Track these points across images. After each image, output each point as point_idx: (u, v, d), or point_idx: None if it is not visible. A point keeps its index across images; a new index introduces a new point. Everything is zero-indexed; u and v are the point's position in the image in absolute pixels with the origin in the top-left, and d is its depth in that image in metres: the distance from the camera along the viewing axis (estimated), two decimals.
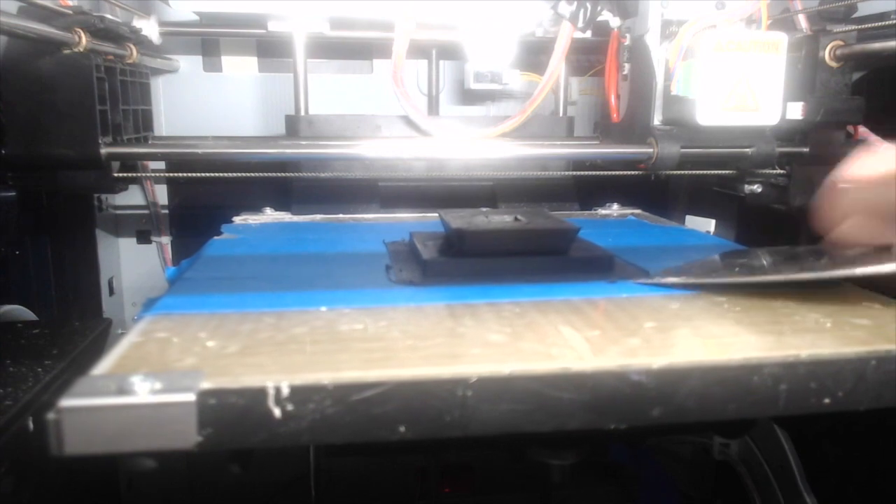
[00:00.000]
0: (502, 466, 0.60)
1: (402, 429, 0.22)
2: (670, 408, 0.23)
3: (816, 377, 0.24)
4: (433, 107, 0.77)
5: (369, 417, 0.22)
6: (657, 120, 0.62)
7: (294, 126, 0.67)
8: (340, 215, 0.57)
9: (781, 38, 0.56)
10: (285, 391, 0.21)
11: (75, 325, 0.53)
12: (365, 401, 0.22)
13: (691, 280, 0.33)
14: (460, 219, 0.37)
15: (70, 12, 0.53)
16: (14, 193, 0.59)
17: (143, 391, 0.21)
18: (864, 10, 0.62)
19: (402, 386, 0.22)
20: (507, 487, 0.60)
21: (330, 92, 0.80)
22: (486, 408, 0.22)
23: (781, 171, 0.64)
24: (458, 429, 0.22)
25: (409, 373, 0.22)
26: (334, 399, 0.21)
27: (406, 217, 0.57)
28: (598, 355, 0.24)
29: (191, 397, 0.21)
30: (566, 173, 0.68)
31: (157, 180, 0.79)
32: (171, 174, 0.75)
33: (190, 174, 0.62)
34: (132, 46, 0.65)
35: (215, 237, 0.47)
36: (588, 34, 0.67)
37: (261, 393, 0.21)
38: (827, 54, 0.61)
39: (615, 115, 0.70)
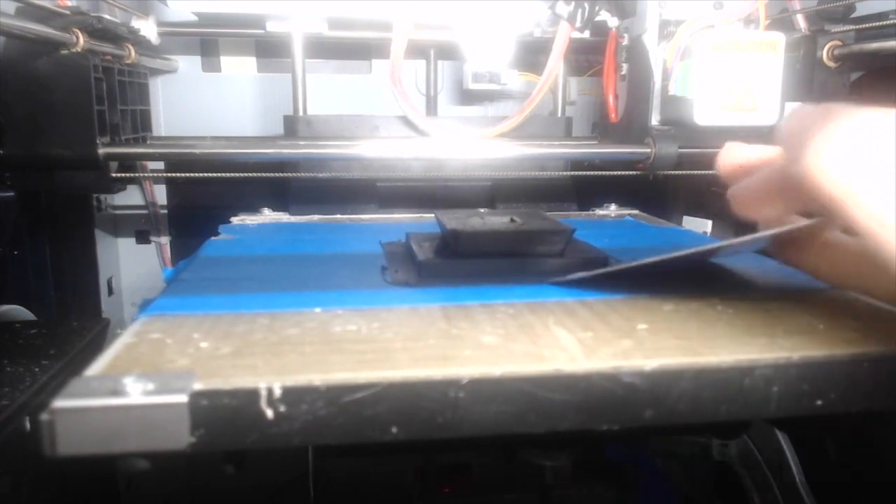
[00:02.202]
0: (502, 467, 0.60)
1: (394, 430, 0.22)
2: (662, 409, 0.23)
3: (808, 379, 0.24)
4: (431, 107, 0.77)
5: (361, 418, 0.22)
6: (655, 120, 0.62)
7: (292, 126, 0.67)
8: (338, 216, 0.57)
9: (779, 38, 0.56)
10: (277, 392, 0.21)
11: (73, 325, 0.53)
12: (357, 402, 0.22)
13: (587, 274, 0.33)
14: (456, 220, 0.37)
15: (68, 13, 0.53)
16: (12, 194, 0.60)
17: (136, 392, 0.21)
18: (862, 9, 0.62)
19: (394, 387, 0.22)
20: (506, 487, 0.60)
21: (328, 92, 0.80)
22: (478, 409, 0.22)
23: None
24: (450, 430, 0.22)
25: (401, 374, 0.22)
26: (326, 400, 0.21)
27: (404, 217, 0.58)
28: (591, 357, 0.24)
29: (183, 398, 0.21)
30: (564, 173, 0.68)
31: (156, 180, 0.79)
32: (170, 174, 0.75)
33: (188, 174, 0.63)
34: (130, 47, 0.65)
35: (212, 238, 0.47)
36: (586, 34, 0.67)
37: (253, 394, 0.21)
38: (825, 54, 0.61)
39: (613, 116, 0.70)
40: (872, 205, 0.20)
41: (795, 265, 0.31)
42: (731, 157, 0.30)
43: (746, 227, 0.32)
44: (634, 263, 0.32)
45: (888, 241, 0.20)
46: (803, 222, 0.27)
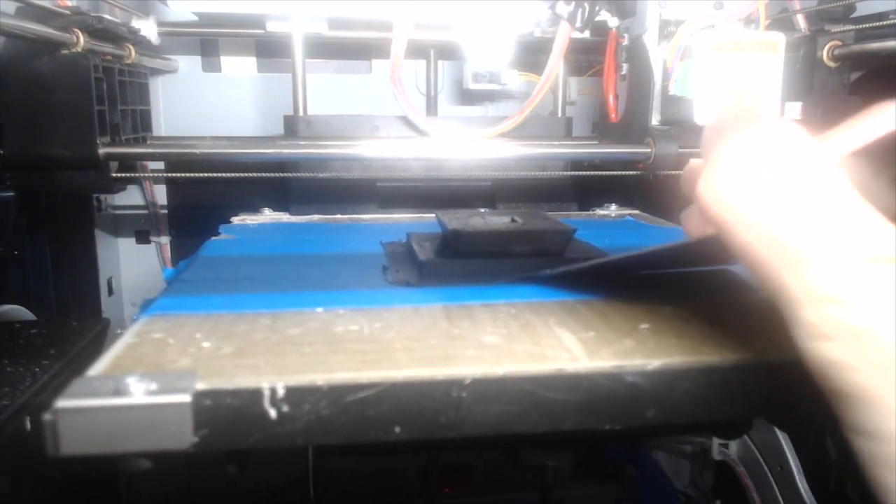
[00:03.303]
0: (503, 466, 0.60)
1: (397, 430, 0.22)
2: (665, 409, 0.23)
3: (810, 378, 0.24)
4: (431, 107, 0.77)
5: (364, 418, 0.22)
6: (655, 120, 0.62)
7: (292, 126, 0.67)
8: (338, 216, 0.57)
9: (779, 38, 0.56)
10: (280, 392, 0.21)
11: (73, 325, 0.53)
12: (359, 402, 0.22)
13: (562, 270, 0.33)
14: (457, 220, 0.37)
15: (68, 13, 0.53)
16: (12, 194, 0.60)
17: (139, 392, 0.21)
18: (862, 9, 0.63)
19: (397, 387, 0.22)
20: (507, 487, 0.60)
21: (328, 92, 0.80)
22: (481, 409, 0.22)
23: None
24: (453, 430, 0.22)
25: (404, 374, 0.22)
26: (329, 400, 0.21)
27: (404, 217, 0.58)
28: (592, 356, 0.24)
29: (186, 398, 0.21)
30: (564, 173, 0.68)
31: (156, 180, 0.79)
32: (170, 174, 0.75)
33: (188, 174, 0.63)
34: (130, 46, 0.65)
35: (213, 238, 0.47)
36: (586, 34, 0.67)
37: (256, 394, 0.21)
38: (825, 54, 0.61)
39: (613, 115, 0.70)
40: (746, 235, 0.20)
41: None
42: (691, 176, 0.27)
43: None
44: (605, 259, 0.32)
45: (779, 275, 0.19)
46: (696, 239, 0.26)
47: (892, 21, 0.58)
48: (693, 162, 0.28)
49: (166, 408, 0.20)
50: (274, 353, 0.24)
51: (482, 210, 0.44)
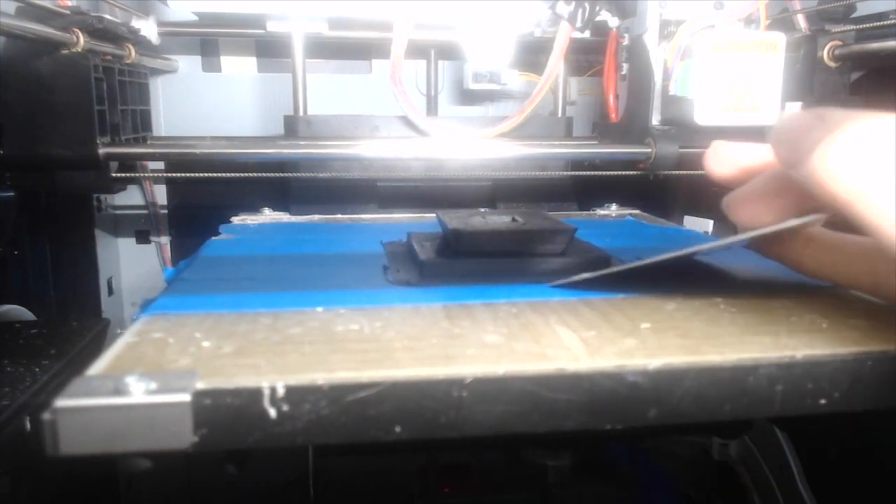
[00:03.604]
0: (503, 466, 0.60)
1: (397, 429, 0.22)
2: (666, 409, 0.23)
3: (812, 378, 0.23)
4: (432, 107, 0.77)
5: (364, 418, 0.22)
6: (655, 120, 0.62)
7: (293, 126, 0.67)
8: (339, 216, 0.57)
9: (780, 38, 0.56)
10: (280, 391, 0.21)
11: (73, 325, 0.53)
12: (360, 401, 0.22)
13: (589, 276, 0.33)
14: (457, 219, 0.37)
15: (68, 12, 0.53)
16: (12, 194, 0.60)
17: (139, 391, 0.21)
18: (862, 9, 0.63)
19: (397, 386, 0.22)
20: (507, 487, 0.60)
21: (328, 92, 0.80)
22: (482, 408, 0.22)
23: None
24: (453, 429, 0.22)
25: (404, 373, 0.22)
26: (329, 399, 0.21)
27: (404, 217, 0.57)
28: (594, 356, 0.24)
29: (186, 398, 0.21)
30: (564, 173, 0.68)
31: (156, 180, 0.79)
32: (170, 174, 0.75)
33: (188, 174, 0.63)
34: (131, 46, 0.65)
35: (213, 238, 0.47)
36: (587, 34, 0.67)
37: (256, 393, 0.21)
38: (825, 54, 0.61)
39: (614, 115, 0.70)
40: (883, 205, 0.20)
41: (779, 260, 0.31)
42: (720, 157, 0.30)
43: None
44: (633, 265, 0.32)
45: None
46: (794, 221, 0.27)
47: (892, 21, 0.58)
48: (719, 143, 0.30)
49: (166, 407, 0.20)
50: (274, 353, 0.24)
51: (483, 210, 0.44)
